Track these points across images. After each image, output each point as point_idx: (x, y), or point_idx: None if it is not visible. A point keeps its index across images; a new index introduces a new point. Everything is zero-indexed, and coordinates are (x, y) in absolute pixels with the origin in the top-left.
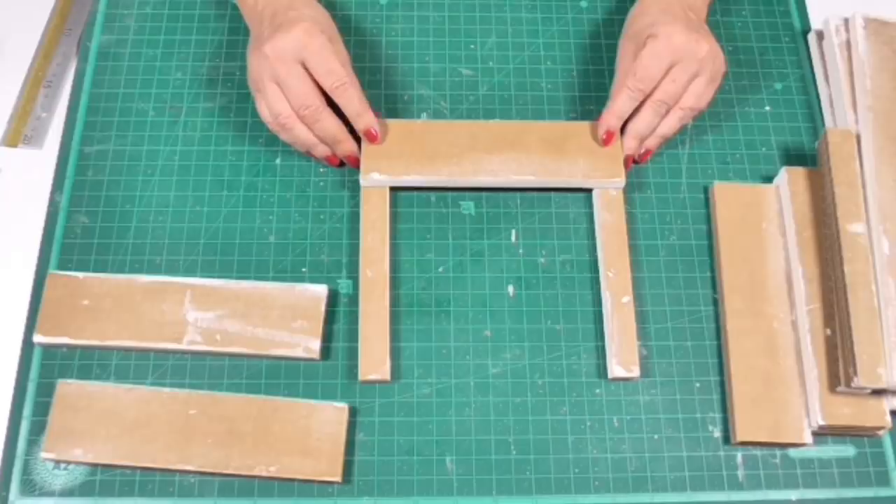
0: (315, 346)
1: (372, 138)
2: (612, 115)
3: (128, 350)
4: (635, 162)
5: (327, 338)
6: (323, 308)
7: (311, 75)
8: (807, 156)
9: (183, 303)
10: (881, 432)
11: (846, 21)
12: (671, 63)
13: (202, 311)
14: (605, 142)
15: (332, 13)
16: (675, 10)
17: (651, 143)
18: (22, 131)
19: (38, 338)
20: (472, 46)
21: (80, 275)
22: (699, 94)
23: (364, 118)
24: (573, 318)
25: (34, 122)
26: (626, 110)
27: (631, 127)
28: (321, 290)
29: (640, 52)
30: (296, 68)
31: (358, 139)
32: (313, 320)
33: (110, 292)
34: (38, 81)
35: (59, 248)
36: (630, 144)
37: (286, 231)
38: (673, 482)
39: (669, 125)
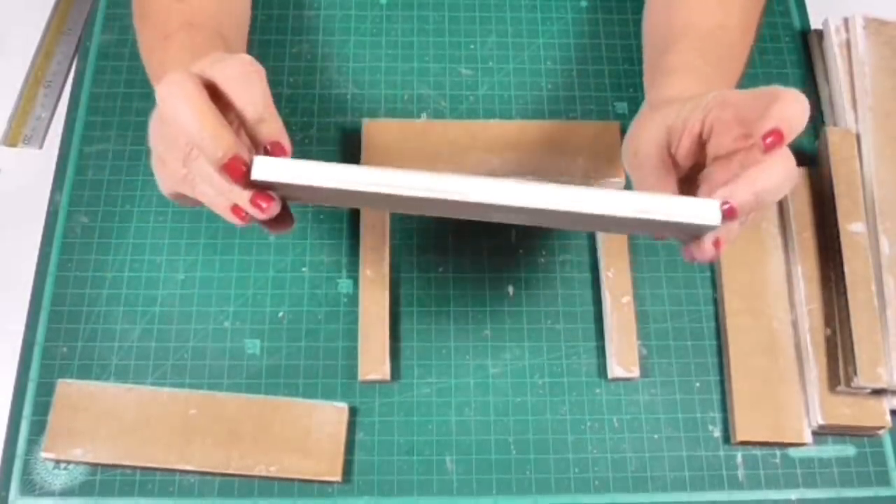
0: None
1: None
2: (749, 188)
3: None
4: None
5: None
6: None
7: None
8: (807, 155)
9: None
10: (881, 432)
11: (846, 21)
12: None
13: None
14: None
15: (331, 13)
16: None
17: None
18: (22, 131)
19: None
20: (472, 46)
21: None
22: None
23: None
24: (573, 317)
25: (34, 121)
26: (775, 184)
27: (751, 181)
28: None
29: (775, 98)
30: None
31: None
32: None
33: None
34: (38, 81)
35: (59, 247)
36: (745, 196)
37: None
38: (673, 482)
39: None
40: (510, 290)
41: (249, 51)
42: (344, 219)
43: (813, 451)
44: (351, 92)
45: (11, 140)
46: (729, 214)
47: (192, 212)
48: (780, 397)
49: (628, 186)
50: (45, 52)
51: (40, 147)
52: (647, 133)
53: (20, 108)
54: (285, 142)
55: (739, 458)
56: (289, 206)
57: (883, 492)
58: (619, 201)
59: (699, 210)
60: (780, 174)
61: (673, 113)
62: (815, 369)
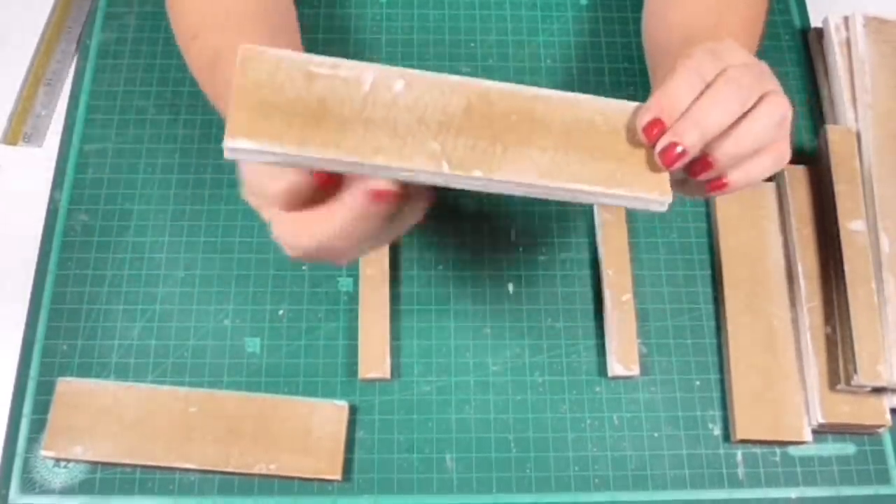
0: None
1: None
2: (660, 98)
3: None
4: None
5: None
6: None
7: None
8: (807, 154)
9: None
10: (881, 430)
11: (846, 19)
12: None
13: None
14: (648, 135)
15: (331, 11)
16: None
17: (727, 160)
18: (22, 129)
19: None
20: (472, 45)
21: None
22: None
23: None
24: (573, 315)
25: (34, 120)
26: (682, 94)
27: (690, 112)
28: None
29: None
30: None
31: None
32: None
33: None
34: (37, 79)
35: (60, 246)
36: (690, 137)
37: None
38: (673, 480)
39: (758, 134)
40: (510, 287)
41: None
42: None
43: (813, 450)
44: None
45: (11, 138)
46: (673, 160)
47: (192, 210)
48: (780, 395)
49: None
50: (44, 50)
51: (40, 145)
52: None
53: (20, 107)
54: None
55: (739, 457)
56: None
57: (883, 490)
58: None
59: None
60: (726, 111)
61: None
62: (815, 367)
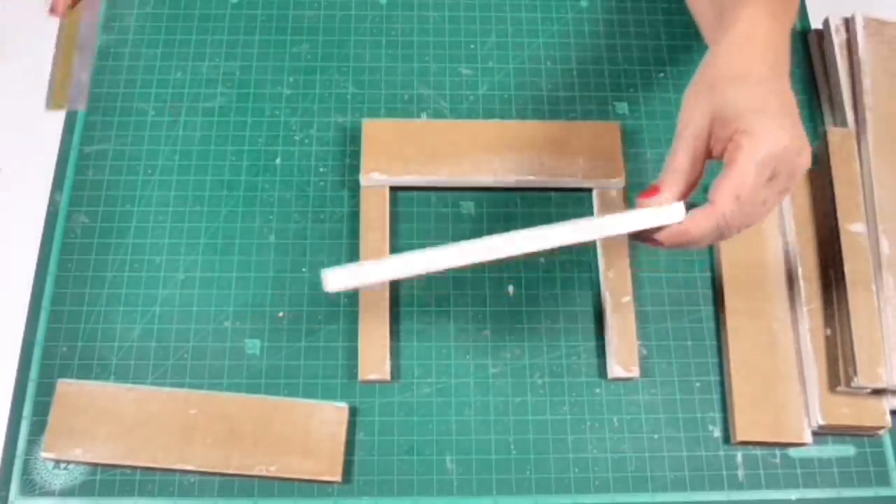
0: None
1: None
2: (685, 238)
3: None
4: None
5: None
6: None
7: None
8: None
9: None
10: (881, 432)
11: (846, 21)
12: (771, 175)
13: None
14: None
15: (331, 13)
16: (765, 71)
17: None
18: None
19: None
20: (472, 46)
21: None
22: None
23: None
24: (573, 317)
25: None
26: (710, 241)
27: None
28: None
29: (735, 155)
30: None
31: None
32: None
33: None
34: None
35: (60, 247)
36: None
37: (286, 231)
38: (673, 482)
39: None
40: (510, 289)
41: (250, 50)
42: (344, 219)
43: (813, 451)
44: (351, 92)
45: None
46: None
47: (192, 211)
48: (780, 397)
49: (629, 185)
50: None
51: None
52: (692, 112)
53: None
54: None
55: (739, 458)
56: None
57: (883, 492)
58: (585, 230)
59: (663, 214)
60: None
61: (719, 100)
62: (815, 369)
